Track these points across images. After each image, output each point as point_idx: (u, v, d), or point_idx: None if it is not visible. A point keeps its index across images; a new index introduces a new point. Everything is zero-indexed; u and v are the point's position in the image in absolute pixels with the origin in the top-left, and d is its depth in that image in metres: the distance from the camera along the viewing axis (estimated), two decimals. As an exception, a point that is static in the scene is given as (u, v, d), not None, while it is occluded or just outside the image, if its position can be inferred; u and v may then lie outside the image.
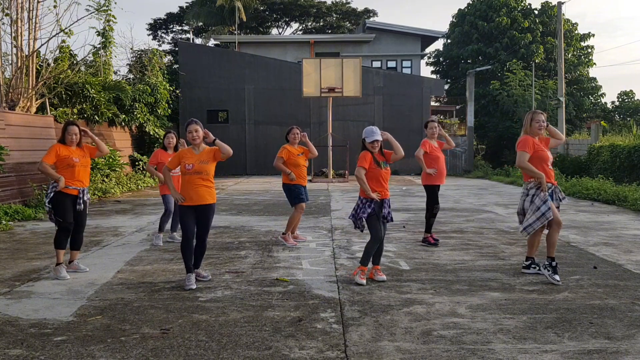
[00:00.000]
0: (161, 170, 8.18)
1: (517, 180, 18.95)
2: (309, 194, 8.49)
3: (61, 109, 16.60)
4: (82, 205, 6.31)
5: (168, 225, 9.09)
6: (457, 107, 34.97)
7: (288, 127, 8.44)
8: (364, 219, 5.88)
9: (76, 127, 6.39)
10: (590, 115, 35.75)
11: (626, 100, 40.18)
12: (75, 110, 16.92)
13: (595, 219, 10.68)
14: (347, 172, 22.32)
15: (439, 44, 46.74)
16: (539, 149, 6.12)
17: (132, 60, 24.62)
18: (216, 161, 5.92)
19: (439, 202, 8.22)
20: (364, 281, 5.83)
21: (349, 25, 42.72)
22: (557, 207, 6.22)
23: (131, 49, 28.37)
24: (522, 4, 34.89)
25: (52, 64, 16.23)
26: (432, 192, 8.07)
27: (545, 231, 6.25)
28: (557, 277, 5.90)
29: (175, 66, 27.42)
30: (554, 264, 5.98)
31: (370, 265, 6.03)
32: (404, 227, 9.59)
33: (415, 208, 12.38)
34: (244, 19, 35.93)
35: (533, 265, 6.29)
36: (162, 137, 8.77)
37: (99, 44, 19.64)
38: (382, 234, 5.97)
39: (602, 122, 26.09)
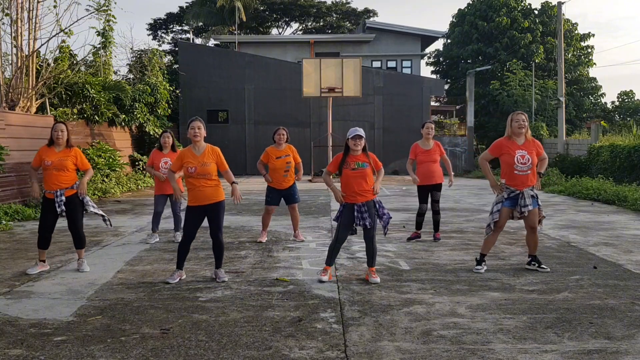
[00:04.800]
0: (157, 170, 8.26)
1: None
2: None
3: (61, 109, 16.59)
4: (61, 206, 6.30)
5: (170, 225, 9.11)
6: (457, 107, 34.96)
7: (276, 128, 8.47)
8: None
9: (63, 124, 6.48)
10: (590, 115, 35.75)
11: (626, 100, 40.15)
12: (75, 110, 16.92)
13: (595, 219, 10.68)
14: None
15: (439, 44, 46.76)
16: (506, 152, 6.26)
17: (132, 60, 24.60)
18: (217, 164, 5.97)
19: (437, 203, 8.38)
20: (324, 278, 5.90)
21: (349, 25, 42.71)
22: (521, 214, 6.28)
23: (131, 49, 28.33)
24: (522, 4, 34.88)
25: (52, 64, 16.21)
26: (420, 191, 8.39)
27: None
28: (543, 265, 6.43)
29: (175, 66, 27.40)
30: (535, 260, 6.49)
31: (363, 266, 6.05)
32: (404, 227, 9.59)
33: (415, 208, 12.31)
34: (244, 19, 35.92)
35: (477, 267, 6.43)
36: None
37: (99, 44, 19.62)
38: (344, 236, 6.02)
39: (602, 122, 26.09)
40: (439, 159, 8.33)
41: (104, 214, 6.77)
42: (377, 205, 6.00)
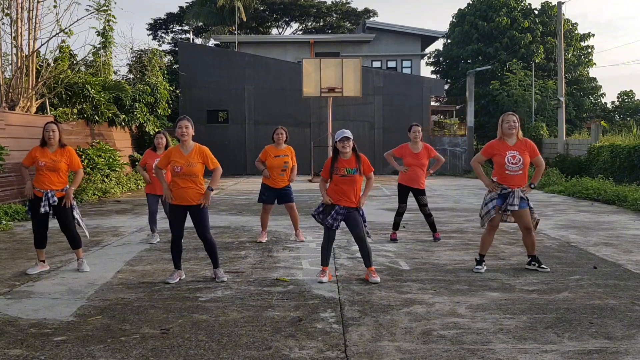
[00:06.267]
0: (149, 170, 8.19)
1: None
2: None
3: (61, 109, 16.59)
4: (46, 207, 6.23)
5: (168, 225, 9.09)
6: (457, 107, 34.97)
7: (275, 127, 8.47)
8: (314, 217, 6.08)
9: (54, 124, 6.41)
10: (590, 115, 35.77)
11: (626, 100, 40.17)
12: (75, 110, 16.91)
13: (595, 219, 10.68)
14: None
15: (439, 44, 46.77)
16: (497, 153, 6.32)
17: (132, 60, 24.61)
18: (204, 164, 5.94)
19: (425, 207, 8.41)
20: (324, 279, 5.88)
21: (349, 25, 42.73)
22: (504, 212, 6.28)
23: (131, 49, 28.33)
24: (522, 4, 34.91)
25: (52, 64, 16.21)
26: (400, 191, 8.42)
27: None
28: (543, 265, 6.43)
29: (175, 66, 27.43)
30: (535, 260, 6.49)
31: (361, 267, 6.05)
32: (404, 227, 9.58)
33: (415, 208, 12.31)
34: (244, 19, 35.94)
35: (477, 267, 6.43)
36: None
37: (99, 44, 19.63)
38: (333, 235, 6.00)
39: (602, 122, 26.08)
40: (427, 164, 8.36)
41: (83, 226, 6.58)
42: (361, 212, 6.01)
